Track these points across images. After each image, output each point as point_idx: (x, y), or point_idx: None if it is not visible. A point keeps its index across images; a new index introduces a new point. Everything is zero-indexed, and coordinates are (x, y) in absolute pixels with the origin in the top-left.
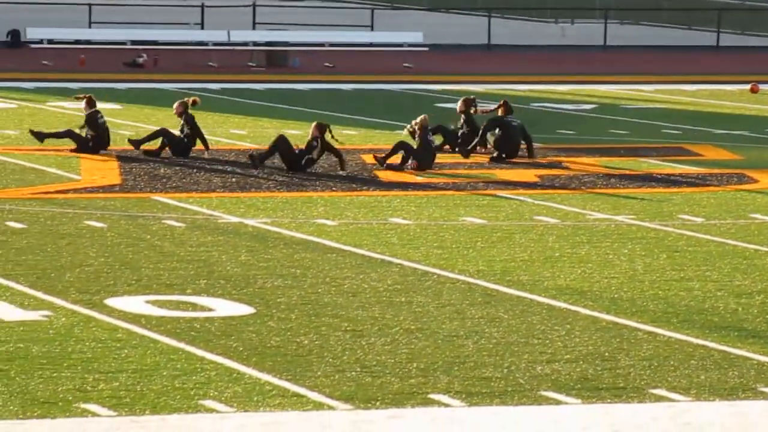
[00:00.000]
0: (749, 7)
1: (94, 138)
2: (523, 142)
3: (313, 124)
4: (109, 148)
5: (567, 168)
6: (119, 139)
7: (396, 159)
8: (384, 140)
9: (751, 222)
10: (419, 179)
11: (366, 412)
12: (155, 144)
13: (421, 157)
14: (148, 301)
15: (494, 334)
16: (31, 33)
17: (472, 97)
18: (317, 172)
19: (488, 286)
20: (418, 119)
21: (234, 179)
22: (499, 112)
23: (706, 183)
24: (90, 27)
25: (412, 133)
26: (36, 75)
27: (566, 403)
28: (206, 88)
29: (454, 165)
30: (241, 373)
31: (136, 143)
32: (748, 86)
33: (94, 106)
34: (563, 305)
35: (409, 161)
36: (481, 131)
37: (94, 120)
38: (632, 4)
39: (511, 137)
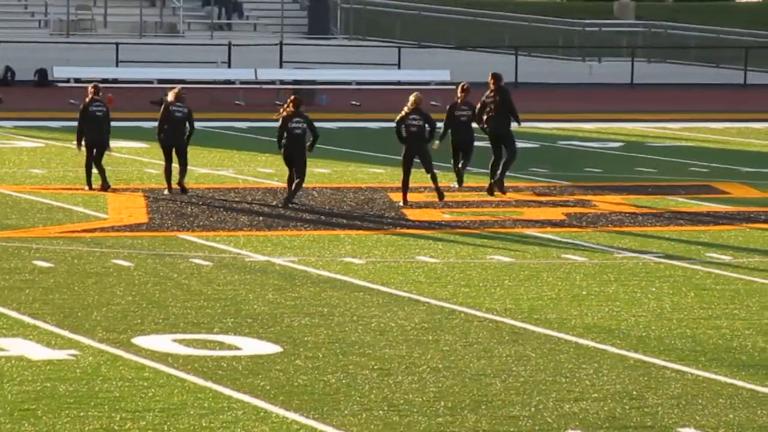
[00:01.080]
0: None
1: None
2: None
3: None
4: (133, 185)
5: (594, 206)
6: (146, 177)
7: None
8: (412, 179)
9: None
10: (446, 217)
11: None
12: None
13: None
14: (175, 340)
15: (522, 373)
16: (58, 72)
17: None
18: (344, 212)
19: (516, 325)
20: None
21: (261, 218)
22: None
23: (733, 221)
24: (117, 66)
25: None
26: (63, 114)
27: None
28: (233, 126)
29: (481, 203)
30: (268, 412)
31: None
32: None
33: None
34: (591, 343)
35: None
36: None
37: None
38: (659, 42)
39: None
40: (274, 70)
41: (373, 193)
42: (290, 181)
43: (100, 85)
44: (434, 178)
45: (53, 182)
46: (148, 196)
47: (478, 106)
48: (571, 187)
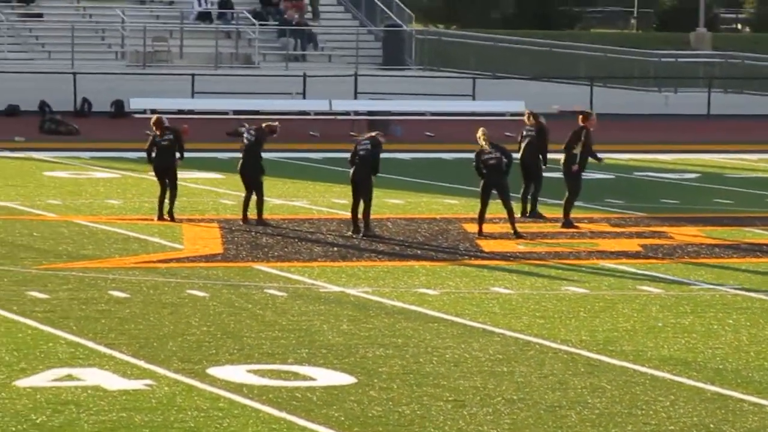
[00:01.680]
0: None
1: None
2: None
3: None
4: (209, 215)
5: (670, 237)
6: (221, 208)
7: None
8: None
9: None
10: (521, 248)
11: None
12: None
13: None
14: (249, 370)
15: (597, 405)
16: (135, 103)
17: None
18: (419, 242)
19: (591, 356)
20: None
21: (335, 248)
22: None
23: None
24: (193, 97)
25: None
26: (139, 145)
27: None
28: (308, 157)
29: (556, 234)
30: None
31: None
32: None
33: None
34: (667, 376)
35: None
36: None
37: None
38: (736, 72)
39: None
40: (349, 101)
41: (447, 224)
42: (354, 211)
43: (172, 116)
44: (511, 213)
45: (129, 213)
46: (224, 227)
47: (519, 137)
48: (647, 219)
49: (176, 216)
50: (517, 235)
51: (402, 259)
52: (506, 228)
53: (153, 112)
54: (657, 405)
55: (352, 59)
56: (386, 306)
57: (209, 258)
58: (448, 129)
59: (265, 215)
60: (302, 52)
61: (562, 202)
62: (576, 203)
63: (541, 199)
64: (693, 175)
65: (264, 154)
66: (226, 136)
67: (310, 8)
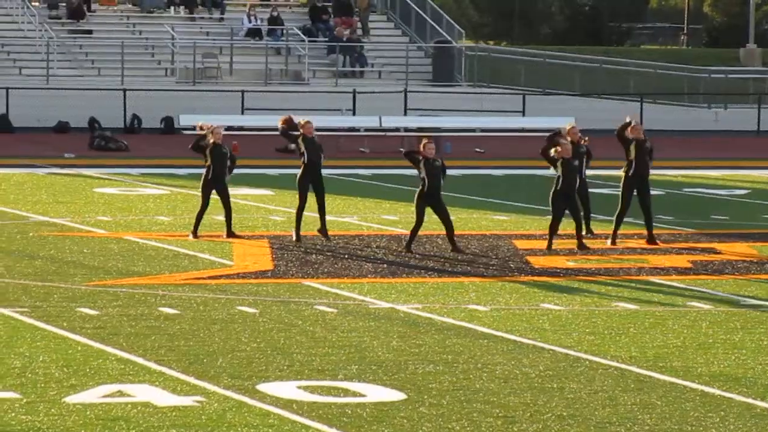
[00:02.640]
0: None
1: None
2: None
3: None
4: (259, 232)
5: (720, 253)
6: (271, 224)
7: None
8: (535, 225)
9: None
10: (571, 264)
11: None
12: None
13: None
14: (299, 387)
15: (647, 421)
16: (185, 120)
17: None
18: (469, 259)
19: (641, 373)
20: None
21: (385, 265)
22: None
23: None
24: (242, 113)
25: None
26: (189, 161)
27: None
28: (358, 173)
29: (606, 251)
30: None
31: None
32: None
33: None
34: (717, 392)
35: None
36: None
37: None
38: None
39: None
40: (399, 117)
41: (497, 240)
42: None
43: (226, 132)
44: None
45: (179, 229)
46: (273, 244)
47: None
48: (697, 235)
49: (225, 233)
50: (581, 246)
51: (452, 275)
52: (560, 244)
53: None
54: (707, 421)
55: (401, 75)
56: (436, 322)
57: (259, 274)
58: (498, 145)
59: (314, 232)
60: (352, 69)
61: (613, 218)
62: (626, 219)
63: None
64: (743, 192)
65: None
66: (276, 153)
67: (360, 25)
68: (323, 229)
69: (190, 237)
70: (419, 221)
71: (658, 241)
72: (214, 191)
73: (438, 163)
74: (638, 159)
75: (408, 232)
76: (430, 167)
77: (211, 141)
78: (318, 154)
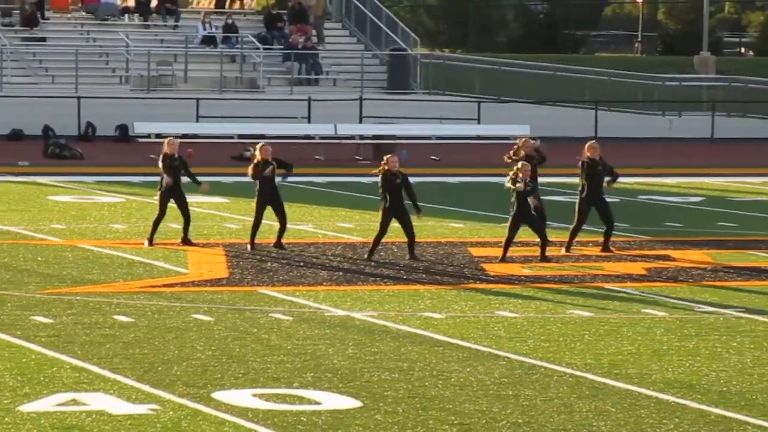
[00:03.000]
0: None
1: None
2: None
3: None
4: (213, 240)
5: (675, 261)
6: (226, 232)
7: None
8: (491, 233)
9: None
10: (526, 272)
11: None
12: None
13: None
14: (255, 395)
15: (602, 428)
16: (139, 127)
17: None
18: (424, 266)
19: (596, 380)
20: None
21: (341, 272)
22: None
23: None
24: (197, 121)
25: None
26: (143, 169)
27: None
28: (313, 181)
29: (561, 258)
30: None
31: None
32: None
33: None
34: (672, 399)
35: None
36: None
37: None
38: (740, 96)
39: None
40: (354, 125)
41: (452, 248)
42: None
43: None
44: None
45: (134, 237)
46: (229, 251)
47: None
48: (652, 242)
49: (179, 241)
50: (543, 257)
51: (407, 283)
52: (515, 251)
53: (157, 136)
54: (662, 428)
55: (357, 83)
56: (391, 330)
57: (214, 282)
58: (453, 153)
59: (269, 239)
60: (307, 76)
61: (569, 227)
62: (583, 227)
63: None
64: (697, 199)
65: None
66: (231, 161)
67: (315, 32)
68: (278, 242)
69: (146, 244)
70: (382, 231)
71: (612, 249)
72: (172, 200)
73: (398, 180)
74: (590, 181)
75: (369, 240)
76: (390, 182)
77: (165, 151)
78: (271, 170)
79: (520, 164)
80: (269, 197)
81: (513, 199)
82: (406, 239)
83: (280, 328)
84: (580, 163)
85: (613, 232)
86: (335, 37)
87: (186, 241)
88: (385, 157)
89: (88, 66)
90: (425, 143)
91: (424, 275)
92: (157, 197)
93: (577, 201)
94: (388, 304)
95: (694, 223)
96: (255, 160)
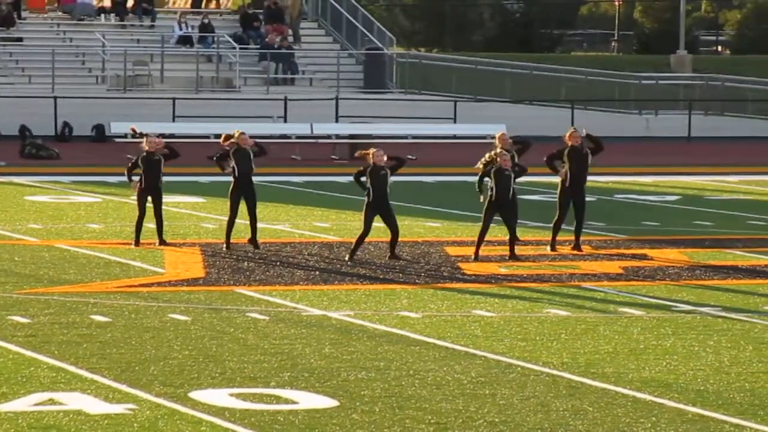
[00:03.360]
0: None
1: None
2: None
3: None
4: (190, 239)
5: (651, 259)
6: (203, 232)
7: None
8: (468, 233)
9: None
10: (503, 271)
11: None
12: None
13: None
14: (231, 394)
15: (579, 427)
16: (115, 127)
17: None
18: (401, 266)
19: (573, 379)
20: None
21: (317, 272)
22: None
23: None
24: (174, 121)
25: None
26: (120, 169)
27: None
28: (289, 180)
29: (538, 257)
30: None
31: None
32: None
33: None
34: (648, 397)
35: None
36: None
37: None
38: (717, 95)
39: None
40: (330, 124)
41: (429, 247)
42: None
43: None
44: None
45: (111, 237)
46: (205, 251)
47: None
48: (628, 241)
49: (156, 240)
50: (512, 255)
51: (384, 282)
52: (492, 250)
53: (134, 136)
54: (638, 427)
55: (333, 83)
56: (368, 329)
57: (191, 282)
58: (429, 152)
59: (246, 239)
60: (283, 76)
61: (550, 225)
62: (562, 227)
63: (521, 221)
64: (673, 198)
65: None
66: (207, 160)
67: (291, 32)
68: (254, 240)
69: (133, 246)
70: (366, 231)
71: (582, 248)
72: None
73: (384, 172)
74: (573, 167)
75: (347, 240)
76: (375, 176)
77: (145, 149)
78: (249, 165)
79: (498, 150)
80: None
81: (492, 184)
82: (388, 238)
83: (257, 328)
84: (564, 151)
85: (585, 231)
86: (311, 36)
87: (162, 242)
88: (370, 151)
89: (64, 66)
90: (401, 143)
91: (401, 274)
92: (134, 197)
93: (558, 193)
94: (365, 304)
95: (671, 222)
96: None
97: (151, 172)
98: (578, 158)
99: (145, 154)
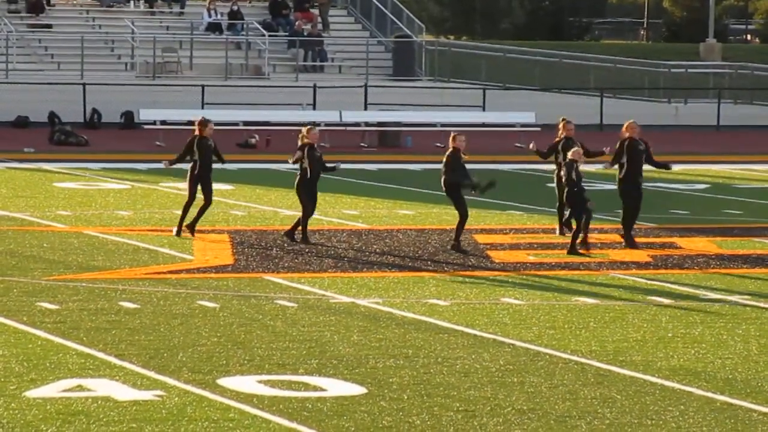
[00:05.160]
0: None
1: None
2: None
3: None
4: (219, 226)
5: (680, 248)
6: (231, 219)
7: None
8: (495, 220)
9: None
10: (531, 259)
11: None
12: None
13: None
14: (260, 381)
15: (607, 415)
16: (144, 114)
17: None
18: (429, 253)
19: (601, 367)
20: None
21: (346, 259)
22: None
23: None
24: (203, 108)
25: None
26: (149, 156)
27: None
28: None
29: (567, 245)
30: None
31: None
32: None
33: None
34: (677, 386)
35: None
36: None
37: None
38: (746, 83)
39: None
40: (359, 112)
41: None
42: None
43: (182, 128)
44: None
45: (139, 224)
46: (234, 238)
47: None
48: (657, 229)
49: (185, 227)
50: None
51: (412, 270)
52: (520, 238)
53: (163, 123)
54: (667, 415)
55: (362, 70)
56: (396, 317)
57: (219, 269)
58: None
59: (277, 226)
60: (312, 63)
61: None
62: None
63: (546, 209)
64: (702, 186)
65: (273, 166)
66: (236, 147)
67: (320, 19)
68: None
69: (174, 232)
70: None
71: (612, 236)
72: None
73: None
74: (630, 163)
75: (375, 227)
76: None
77: (197, 134)
78: (320, 164)
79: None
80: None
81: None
82: (416, 226)
83: (285, 315)
84: (618, 144)
85: (613, 219)
86: (341, 24)
87: (192, 229)
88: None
89: (93, 53)
90: (430, 130)
91: (430, 262)
92: (167, 184)
93: (617, 185)
94: (393, 291)
95: (700, 211)
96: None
97: (205, 156)
98: (634, 152)
99: (198, 138)
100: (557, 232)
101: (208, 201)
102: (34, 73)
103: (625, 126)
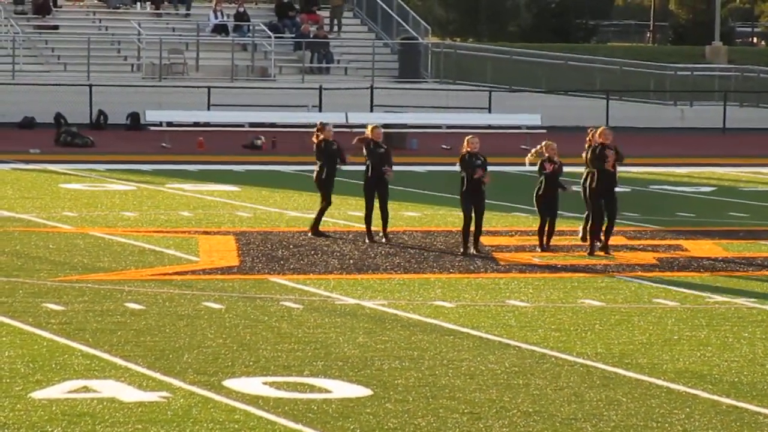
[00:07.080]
0: None
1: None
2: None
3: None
4: (225, 228)
5: (686, 250)
6: (237, 220)
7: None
8: (502, 222)
9: None
10: (537, 261)
11: None
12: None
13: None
14: (265, 383)
15: (613, 418)
16: (150, 116)
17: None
18: (435, 255)
19: (607, 369)
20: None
21: (351, 261)
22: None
23: None
24: (209, 109)
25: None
26: (155, 157)
27: None
28: None
29: (572, 248)
30: None
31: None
32: None
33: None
34: (683, 389)
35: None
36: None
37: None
38: (752, 86)
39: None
40: (365, 113)
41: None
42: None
43: (188, 129)
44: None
45: (145, 225)
46: (239, 240)
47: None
48: (663, 232)
49: (190, 229)
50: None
51: (418, 271)
52: (525, 240)
53: (169, 124)
54: (673, 418)
55: (368, 72)
56: (402, 318)
57: (225, 270)
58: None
59: (282, 228)
60: (318, 65)
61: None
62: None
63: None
64: (708, 189)
65: (279, 167)
66: (242, 149)
67: (328, 21)
68: (385, 233)
69: (310, 234)
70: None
71: (617, 238)
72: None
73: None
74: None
75: (375, 228)
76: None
77: (321, 138)
78: (385, 162)
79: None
80: None
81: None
82: (422, 228)
83: (291, 317)
84: (590, 150)
85: (619, 221)
86: (347, 25)
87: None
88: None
89: (100, 54)
90: (436, 132)
91: (435, 264)
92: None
93: (587, 191)
94: (399, 293)
95: (706, 213)
96: None
97: (329, 161)
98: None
99: (322, 143)
100: (580, 236)
101: (328, 201)
102: (40, 74)
103: (598, 132)
